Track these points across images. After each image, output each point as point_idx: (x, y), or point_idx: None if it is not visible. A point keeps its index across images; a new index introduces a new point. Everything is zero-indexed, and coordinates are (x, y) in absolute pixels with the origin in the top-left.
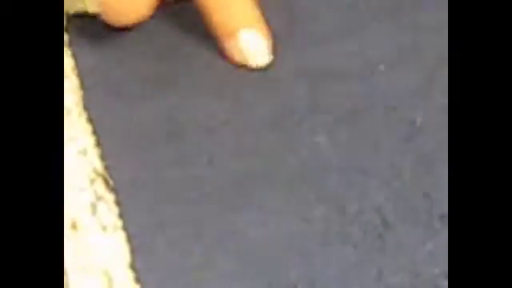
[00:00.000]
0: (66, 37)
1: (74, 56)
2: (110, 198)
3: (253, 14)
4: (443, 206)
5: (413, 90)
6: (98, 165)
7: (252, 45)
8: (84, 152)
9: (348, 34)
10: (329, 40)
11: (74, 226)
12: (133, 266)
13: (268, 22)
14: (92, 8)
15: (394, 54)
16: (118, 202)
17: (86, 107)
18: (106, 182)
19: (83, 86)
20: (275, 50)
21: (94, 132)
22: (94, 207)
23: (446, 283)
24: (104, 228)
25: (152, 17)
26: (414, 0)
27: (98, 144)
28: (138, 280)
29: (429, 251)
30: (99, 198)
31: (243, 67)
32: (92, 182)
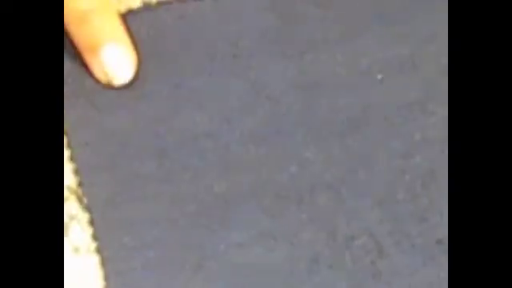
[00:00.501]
0: None
1: None
2: (83, 217)
3: (116, 26)
4: (441, 230)
5: (411, 102)
6: (72, 181)
7: (116, 61)
8: None
9: (343, 41)
10: (322, 48)
11: None
12: None
13: (257, 28)
14: None
15: (391, 64)
16: (91, 222)
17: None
18: (80, 200)
19: None
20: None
21: (68, 145)
22: (66, 227)
23: None
24: (76, 250)
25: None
26: (412, 8)
27: (72, 158)
28: None
29: (425, 279)
30: (72, 218)
31: (107, 85)
32: (65, 200)
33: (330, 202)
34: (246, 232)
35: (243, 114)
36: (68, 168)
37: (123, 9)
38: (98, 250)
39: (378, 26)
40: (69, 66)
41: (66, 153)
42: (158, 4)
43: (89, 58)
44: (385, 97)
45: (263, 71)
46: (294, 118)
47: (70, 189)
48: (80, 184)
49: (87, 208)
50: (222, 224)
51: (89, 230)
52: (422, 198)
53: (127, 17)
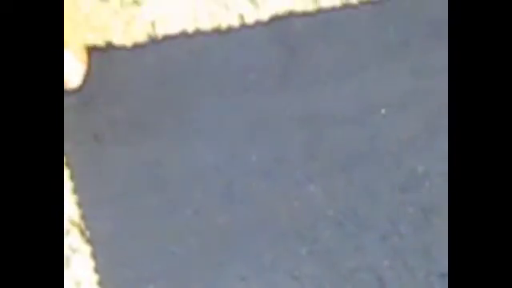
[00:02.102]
0: None
1: None
2: (85, 250)
3: (68, 33)
4: (444, 264)
5: (415, 136)
6: (75, 213)
7: (65, 66)
8: None
9: (347, 76)
10: (327, 82)
11: None
12: None
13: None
14: None
15: (395, 99)
16: (94, 255)
17: (64, 151)
18: (82, 233)
19: None
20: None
21: (72, 177)
22: (67, 260)
23: None
24: (78, 283)
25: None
26: (417, 43)
27: (75, 190)
28: None
29: None
30: (74, 251)
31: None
32: (67, 232)
33: (332, 235)
34: (247, 266)
35: (247, 147)
36: (71, 200)
37: (129, 42)
38: (100, 284)
39: (382, 61)
40: (73, 99)
41: (70, 185)
42: (164, 39)
43: None
44: (388, 131)
45: (268, 105)
46: (298, 152)
47: (72, 221)
48: (83, 217)
49: (90, 241)
50: (223, 257)
51: (91, 263)
52: (425, 232)
53: (133, 50)
